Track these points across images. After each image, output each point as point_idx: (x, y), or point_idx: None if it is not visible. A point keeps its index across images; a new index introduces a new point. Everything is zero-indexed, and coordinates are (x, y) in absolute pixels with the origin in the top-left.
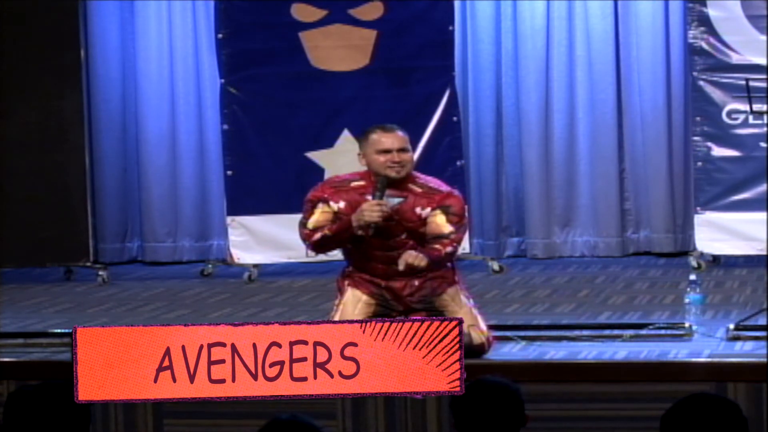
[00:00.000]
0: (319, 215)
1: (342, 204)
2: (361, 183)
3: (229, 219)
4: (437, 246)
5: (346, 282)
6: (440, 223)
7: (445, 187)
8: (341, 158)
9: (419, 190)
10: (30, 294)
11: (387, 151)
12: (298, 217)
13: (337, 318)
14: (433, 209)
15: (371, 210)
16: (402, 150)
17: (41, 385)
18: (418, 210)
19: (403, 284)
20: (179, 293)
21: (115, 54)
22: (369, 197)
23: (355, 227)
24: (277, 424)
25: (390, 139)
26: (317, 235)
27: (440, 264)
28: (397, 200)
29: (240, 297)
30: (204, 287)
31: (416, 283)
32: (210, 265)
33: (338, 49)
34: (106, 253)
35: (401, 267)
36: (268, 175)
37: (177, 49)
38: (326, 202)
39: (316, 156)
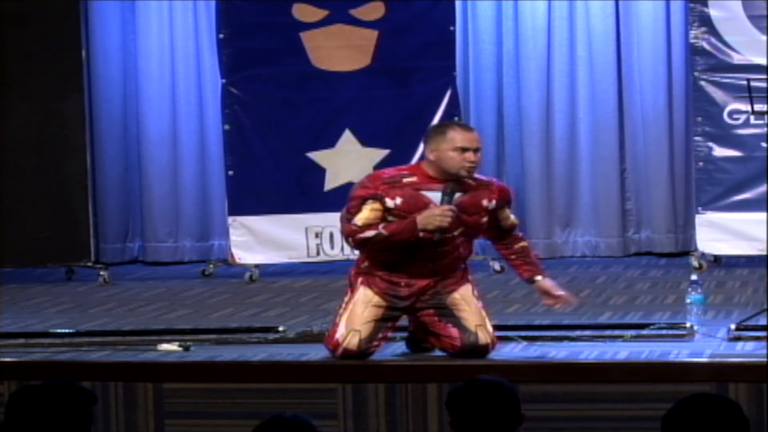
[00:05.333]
0: (369, 212)
1: (399, 200)
2: (414, 179)
3: (230, 219)
4: (523, 244)
5: (360, 279)
6: (508, 216)
7: (486, 177)
8: (342, 158)
9: (472, 182)
10: (31, 294)
11: (465, 150)
12: (299, 217)
13: (345, 316)
14: (500, 205)
15: (444, 215)
16: (477, 150)
17: (43, 386)
18: (485, 202)
19: (426, 283)
20: (180, 293)
21: (116, 54)
22: (425, 193)
23: (419, 230)
24: (272, 423)
25: (469, 138)
26: (368, 233)
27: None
28: (457, 195)
29: (241, 297)
30: (205, 287)
31: (432, 283)
32: (211, 265)
33: (339, 49)
34: (108, 253)
35: (561, 304)
36: (269, 175)
37: (178, 49)
38: (378, 198)
39: (317, 156)
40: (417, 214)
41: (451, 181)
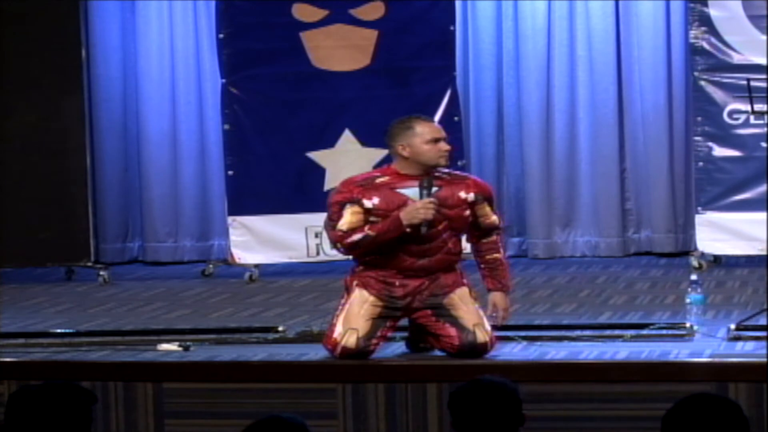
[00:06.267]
0: (350, 216)
1: (376, 200)
2: (386, 179)
3: (230, 219)
4: (497, 256)
5: (355, 282)
6: (489, 213)
7: (461, 173)
8: (342, 158)
9: (446, 177)
10: (31, 294)
11: (437, 140)
12: (299, 217)
13: (342, 317)
14: (478, 199)
15: (426, 208)
16: (446, 139)
17: (42, 386)
18: (462, 194)
19: (419, 282)
20: (180, 293)
21: (116, 54)
22: (401, 191)
23: (405, 225)
24: (268, 422)
25: (437, 128)
26: (356, 237)
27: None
28: (434, 189)
29: (241, 297)
30: (205, 287)
31: (427, 282)
32: (211, 265)
33: (339, 49)
34: (107, 253)
35: (499, 322)
36: (269, 175)
37: (178, 49)
38: (356, 202)
39: (317, 156)
40: (400, 212)
41: (425, 176)
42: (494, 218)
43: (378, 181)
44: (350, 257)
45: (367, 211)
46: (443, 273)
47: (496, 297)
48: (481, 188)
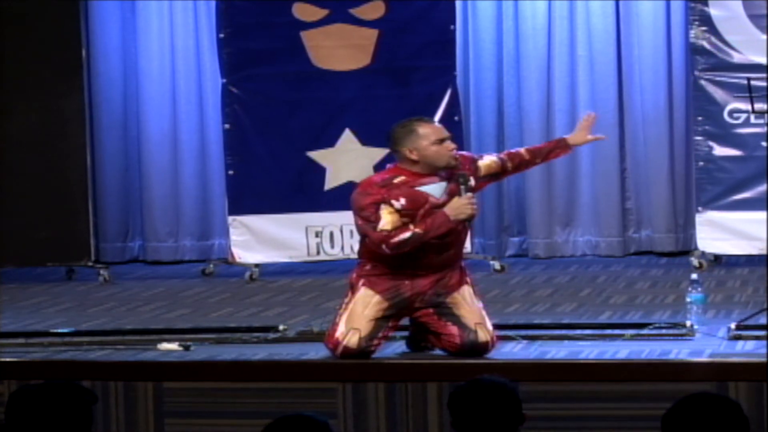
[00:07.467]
0: (390, 216)
1: (403, 200)
2: (403, 178)
3: (230, 218)
4: (524, 152)
5: (361, 281)
6: (488, 162)
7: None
8: (343, 157)
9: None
10: (31, 293)
11: (442, 140)
12: (299, 216)
13: (345, 316)
14: (475, 172)
15: (472, 204)
16: (450, 138)
17: (43, 385)
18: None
19: (428, 281)
20: (180, 293)
21: (116, 53)
22: (421, 189)
23: (453, 222)
24: (290, 419)
25: (440, 128)
26: (404, 235)
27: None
28: (445, 185)
29: (241, 296)
30: (205, 287)
31: (434, 281)
32: (211, 265)
33: (339, 49)
34: (108, 252)
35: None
36: (269, 175)
37: (178, 48)
38: (386, 202)
39: (317, 155)
40: (445, 209)
41: (454, 172)
42: (492, 159)
43: (396, 180)
44: (354, 255)
45: (396, 212)
46: (450, 271)
47: (575, 139)
48: (468, 162)
